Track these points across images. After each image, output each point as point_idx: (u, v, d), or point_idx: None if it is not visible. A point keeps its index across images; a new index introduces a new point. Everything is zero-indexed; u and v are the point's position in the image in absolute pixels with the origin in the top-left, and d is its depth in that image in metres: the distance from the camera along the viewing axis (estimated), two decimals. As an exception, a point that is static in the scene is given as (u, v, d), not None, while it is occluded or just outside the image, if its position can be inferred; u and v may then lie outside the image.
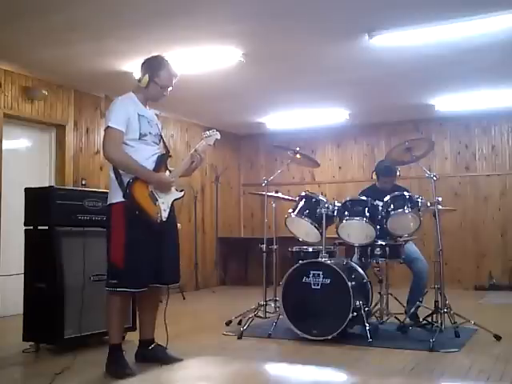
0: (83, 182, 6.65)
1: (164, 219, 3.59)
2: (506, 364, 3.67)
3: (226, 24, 4.85)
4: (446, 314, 4.35)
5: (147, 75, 3.62)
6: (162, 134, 3.82)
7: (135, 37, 5.07)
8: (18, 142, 6.35)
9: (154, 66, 3.66)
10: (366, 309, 4.46)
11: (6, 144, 5.95)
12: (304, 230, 4.85)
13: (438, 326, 4.28)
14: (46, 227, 4.13)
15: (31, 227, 4.21)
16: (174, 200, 3.69)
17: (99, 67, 5.93)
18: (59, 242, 4.09)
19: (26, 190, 4.28)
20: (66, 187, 5.93)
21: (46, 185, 5.73)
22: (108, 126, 3.51)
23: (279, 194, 5.46)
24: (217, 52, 5.50)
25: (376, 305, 4.82)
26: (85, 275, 4.13)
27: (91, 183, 6.72)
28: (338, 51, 5.56)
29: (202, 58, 5.64)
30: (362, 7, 4.52)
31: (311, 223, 4.76)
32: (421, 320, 4.60)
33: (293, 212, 4.84)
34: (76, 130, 6.75)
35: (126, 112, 3.54)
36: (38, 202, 4.20)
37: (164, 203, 3.59)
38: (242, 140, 9.97)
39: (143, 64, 3.71)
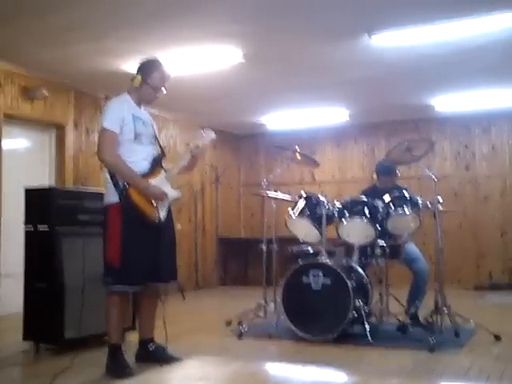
0: (83, 182, 6.64)
1: (162, 219, 3.60)
2: (505, 364, 3.67)
3: (226, 24, 4.85)
4: (446, 314, 4.35)
5: (140, 76, 3.67)
6: (157, 135, 3.83)
7: (135, 37, 5.07)
8: (18, 141, 6.35)
9: (146, 67, 3.71)
10: (366, 309, 4.45)
11: (5, 144, 5.94)
12: (304, 230, 4.85)
13: (438, 326, 4.28)
14: (46, 227, 4.13)
15: (31, 227, 4.20)
16: (172, 199, 3.69)
17: (99, 67, 5.93)
18: (59, 241, 4.08)
19: (26, 190, 4.28)
20: (66, 187, 5.93)
21: (46, 185, 5.72)
22: (103, 128, 3.53)
23: (279, 194, 5.46)
24: (217, 52, 5.50)
25: (376, 305, 4.81)
26: (85, 275, 4.13)
27: (91, 183, 6.72)
28: (338, 51, 5.56)
29: (201, 58, 5.64)
30: (362, 7, 4.51)
31: (311, 223, 4.75)
32: (421, 320, 4.59)
33: (293, 212, 4.84)
34: (76, 129, 6.75)
35: (120, 113, 3.56)
36: (38, 202, 4.20)
37: (162, 203, 3.60)
38: (242, 140, 9.97)
39: (138, 65, 3.76)
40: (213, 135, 3.85)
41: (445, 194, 4.57)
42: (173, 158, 3.91)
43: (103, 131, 3.53)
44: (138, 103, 3.72)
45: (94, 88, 6.77)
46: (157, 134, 3.84)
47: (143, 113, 3.75)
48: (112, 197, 3.52)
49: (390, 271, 4.95)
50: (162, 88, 3.73)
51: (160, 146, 3.82)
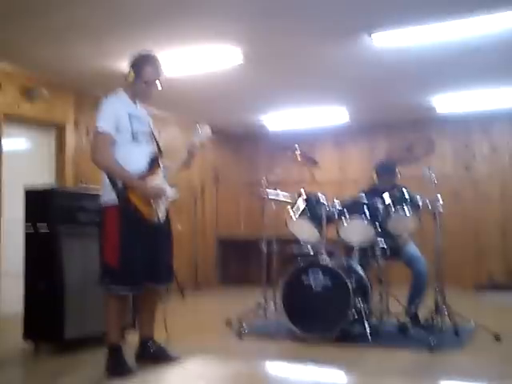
0: (83, 182, 6.64)
1: (161, 220, 3.59)
2: (505, 364, 3.68)
3: (226, 24, 4.85)
4: (445, 314, 4.35)
5: (132, 71, 3.61)
6: (154, 132, 3.78)
7: (135, 36, 5.07)
8: (18, 142, 6.35)
9: (139, 62, 3.63)
10: (366, 309, 4.45)
11: (6, 144, 5.94)
12: (304, 230, 4.85)
13: (438, 326, 4.27)
14: (46, 227, 4.12)
15: (31, 227, 4.19)
16: (170, 199, 3.68)
17: (99, 67, 5.93)
18: (59, 241, 4.09)
19: (26, 190, 4.28)
20: (66, 187, 5.93)
21: (46, 185, 5.72)
22: (96, 129, 3.49)
23: (279, 194, 5.45)
24: (217, 52, 5.50)
25: (376, 305, 4.81)
26: (85, 275, 4.13)
27: (91, 183, 6.71)
28: (338, 51, 5.57)
29: (201, 58, 5.64)
30: (362, 7, 4.52)
31: (311, 223, 4.76)
32: (421, 320, 4.59)
33: (293, 212, 4.83)
34: (76, 129, 6.75)
35: (114, 113, 3.51)
36: (38, 202, 4.20)
37: (160, 202, 3.59)
38: (242, 140, 9.96)
39: (130, 60, 3.69)
40: (208, 131, 3.81)
41: (445, 193, 4.56)
42: (172, 158, 3.89)
43: (96, 133, 3.49)
44: (134, 100, 3.67)
45: (94, 88, 6.76)
46: (153, 131, 3.78)
47: (139, 110, 3.70)
48: (109, 197, 3.48)
49: (390, 271, 4.95)
50: (157, 83, 3.66)
51: (157, 144, 3.77)
